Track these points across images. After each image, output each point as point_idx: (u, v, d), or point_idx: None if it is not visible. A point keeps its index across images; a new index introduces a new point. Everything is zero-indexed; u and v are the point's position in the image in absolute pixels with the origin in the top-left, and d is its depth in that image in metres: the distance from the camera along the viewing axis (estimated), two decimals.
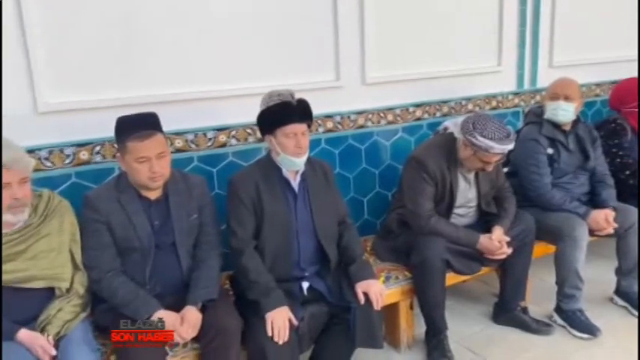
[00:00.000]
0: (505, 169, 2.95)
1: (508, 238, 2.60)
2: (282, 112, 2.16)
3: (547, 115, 2.92)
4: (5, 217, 1.88)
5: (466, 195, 2.66)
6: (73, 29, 2.31)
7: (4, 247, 1.89)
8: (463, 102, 3.47)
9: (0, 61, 2.07)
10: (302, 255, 2.30)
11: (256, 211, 2.23)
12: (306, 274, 2.31)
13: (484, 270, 2.72)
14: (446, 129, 2.71)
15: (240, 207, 2.22)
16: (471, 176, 2.66)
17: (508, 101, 3.68)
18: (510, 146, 2.46)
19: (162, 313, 2.00)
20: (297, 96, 2.21)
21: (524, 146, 2.90)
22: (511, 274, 2.78)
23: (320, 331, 2.31)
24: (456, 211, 2.66)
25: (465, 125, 2.48)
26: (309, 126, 2.24)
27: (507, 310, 2.85)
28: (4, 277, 1.89)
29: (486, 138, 2.40)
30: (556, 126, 2.93)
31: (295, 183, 2.28)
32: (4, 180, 1.82)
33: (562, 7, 3.78)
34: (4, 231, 1.91)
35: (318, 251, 2.34)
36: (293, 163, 2.22)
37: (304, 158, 2.23)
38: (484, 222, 2.73)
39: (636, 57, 3.94)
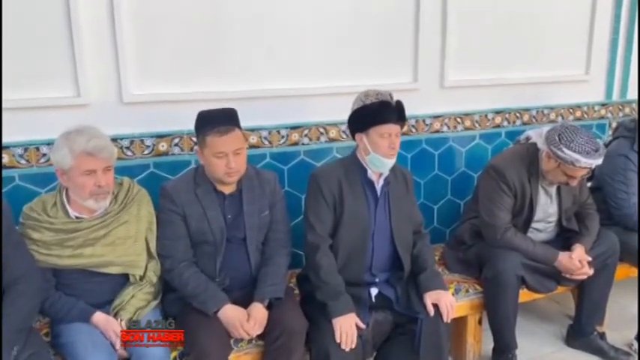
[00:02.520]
0: (589, 184, 2.78)
1: (590, 258, 2.46)
2: (381, 111, 2.12)
3: None
4: (87, 203, 1.94)
5: (546, 209, 2.53)
6: (159, 25, 2.36)
7: (85, 231, 1.95)
8: (545, 111, 3.30)
9: (0, 59, 2.12)
10: (375, 260, 2.25)
11: (336, 208, 2.20)
12: (377, 280, 2.26)
13: (559, 289, 2.59)
14: (528, 138, 2.58)
15: (320, 202, 2.20)
16: (553, 190, 2.53)
17: (594, 112, 3.47)
18: (599, 161, 2.31)
19: (229, 308, 2.02)
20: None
21: (612, 161, 2.72)
22: (589, 295, 2.62)
23: (384, 339, 2.26)
24: (534, 225, 2.53)
25: (551, 136, 2.35)
26: (401, 128, 2.20)
27: (583, 334, 2.69)
28: (83, 260, 1.96)
29: (573, 151, 2.27)
30: None
31: (378, 186, 2.24)
32: (89, 167, 1.89)
33: None
34: (86, 216, 1.98)
35: (391, 258, 2.29)
36: (383, 163, 2.17)
37: (394, 160, 2.19)
38: (563, 239, 2.60)
39: None
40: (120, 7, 2.25)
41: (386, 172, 2.23)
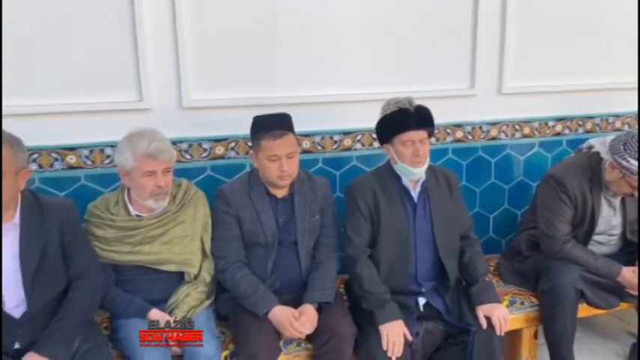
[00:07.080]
0: None
1: None
2: (399, 119, 2.10)
3: None
4: (147, 202, 2.02)
5: (609, 221, 2.42)
6: (218, 35, 2.43)
7: (144, 229, 2.04)
8: (610, 119, 3.16)
9: (0, 61, 2.18)
10: (419, 268, 2.22)
11: (373, 219, 2.20)
12: (423, 289, 2.23)
13: (622, 305, 2.47)
14: (590, 147, 2.48)
15: (356, 214, 2.20)
16: (617, 201, 2.42)
17: None
18: None
19: (278, 309, 2.05)
20: (424, 103, 2.15)
21: None
22: None
23: (435, 349, 2.22)
24: (595, 238, 2.43)
25: (615, 145, 2.25)
26: (430, 134, 2.17)
27: None
28: (141, 257, 2.04)
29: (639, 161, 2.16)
30: None
31: (415, 193, 2.21)
32: (150, 168, 1.97)
33: None
34: (145, 215, 2.06)
35: (436, 266, 2.25)
36: (411, 172, 2.15)
37: (423, 168, 2.15)
38: (627, 253, 2.48)
39: None
40: (181, 19, 2.33)
41: (423, 178, 2.20)
